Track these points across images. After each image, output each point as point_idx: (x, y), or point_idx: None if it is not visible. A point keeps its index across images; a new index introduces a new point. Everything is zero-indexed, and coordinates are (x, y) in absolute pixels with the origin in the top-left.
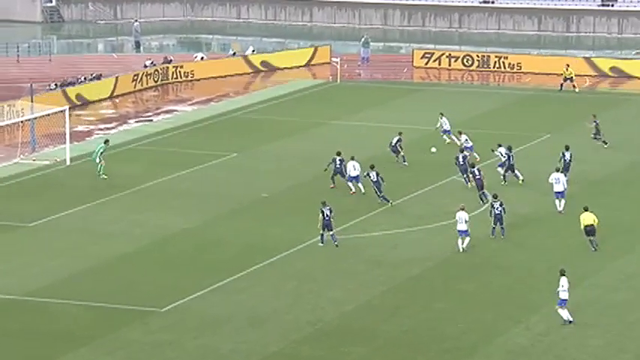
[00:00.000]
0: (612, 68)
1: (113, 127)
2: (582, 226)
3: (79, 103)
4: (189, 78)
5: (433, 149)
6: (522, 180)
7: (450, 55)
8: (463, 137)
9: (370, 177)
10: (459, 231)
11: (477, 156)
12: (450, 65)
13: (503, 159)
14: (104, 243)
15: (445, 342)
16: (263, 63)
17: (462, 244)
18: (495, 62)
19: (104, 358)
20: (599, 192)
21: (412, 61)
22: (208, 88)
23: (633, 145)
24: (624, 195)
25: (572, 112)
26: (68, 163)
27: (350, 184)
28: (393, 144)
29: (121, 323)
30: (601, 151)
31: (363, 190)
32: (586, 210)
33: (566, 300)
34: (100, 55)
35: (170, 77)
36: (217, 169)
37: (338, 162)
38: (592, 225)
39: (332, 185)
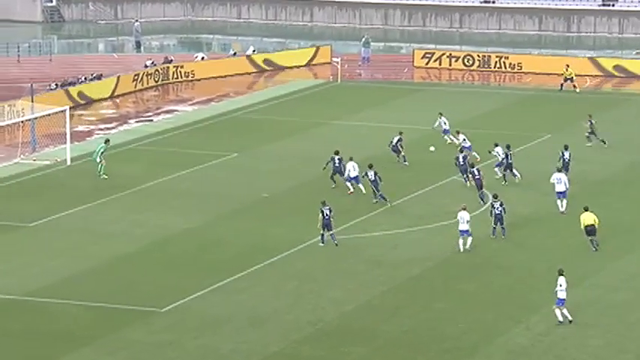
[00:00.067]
0: (616, 67)
1: (113, 127)
2: (583, 226)
3: (82, 101)
4: (189, 78)
5: (432, 148)
6: (519, 179)
7: (450, 55)
8: (461, 137)
9: (368, 176)
10: (460, 231)
11: (477, 156)
12: (450, 65)
13: (500, 158)
14: (105, 243)
15: (445, 342)
16: (266, 61)
17: (465, 244)
18: (496, 62)
19: (105, 358)
20: (599, 192)
21: (413, 61)
22: (209, 88)
23: (633, 145)
24: (625, 195)
25: (572, 112)
26: (69, 163)
27: (348, 184)
28: (393, 143)
29: (122, 323)
30: (601, 151)
31: (364, 191)
32: (586, 210)
33: (564, 299)
34: (101, 55)
35: (171, 77)
36: (218, 169)
37: (337, 161)
38: (592, 225)
39: (333, 185)
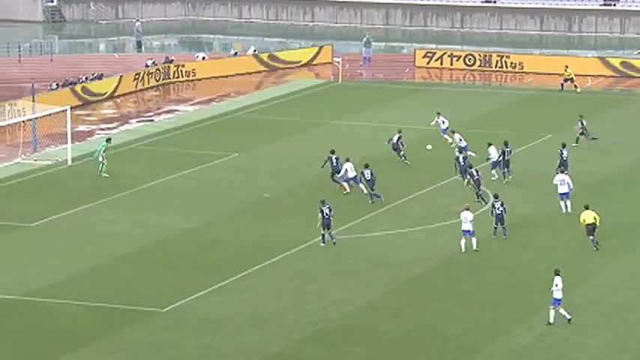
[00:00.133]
0: (623, 63)
1: (114, 127)
2: (584, 224)
3: (87, 97)
4: (190, 77)
5: (429, 146)
6: (511, 178)
7: (451, 54)
8: (456, 136)
9: (365, 175)
10: (463, 231)
11: (472, 154)
12: (451, 64)
13: (494, 159)
14: (105, 243)
15: (447, 342)
16: (271, 57)
17: (471, 245)
18: (497, 61)
19: (106, 359)
20: (600, 192)
21: (414, 61)
22: (210, 88)
23: (634, 145)
24: (625, 195)
25: (573, 112)
26: (70, 163)
27: (345, 184)
28: (394, 141)
29: (123, 323)
30: (601, 151)
31: (365, 191)
32: (587, 208)
33: (560, 300)
34: (102, 55)
35: (172, 76)
36: (219, 169)
37: (334, 160)
38: (593, 223)
39: (338, 186)
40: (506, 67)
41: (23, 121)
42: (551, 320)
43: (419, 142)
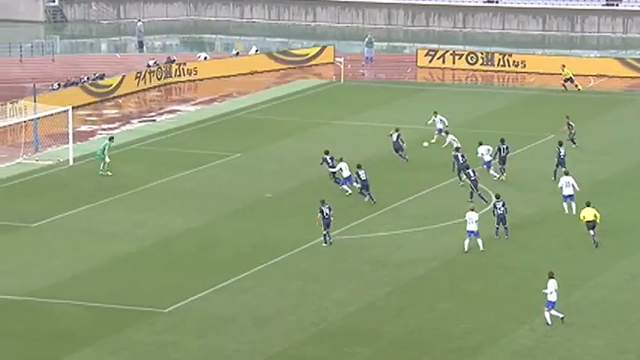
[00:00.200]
0: None
1: (116, 127)
2: (584, 221)
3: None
4: (192, 76)
5: (425, 143)
6: (503, 177)
7: (454, 52)
8: (450, 137)
9: (359, 175)
10: (468, 231)
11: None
12: (454, 63)
13: (485, 158)
14: (107, 243)
15: (450, 342)
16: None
17: (478, 245)
18: (499, 60)
19: (107, 359)
20: (601, 192)
21: (416, 61)
22: (211, 88)
23: (634, 145)
24: (627, 195)
25: (575, 112)
26: (71, 163)
27: (346, 186)
28: (394, 140)
29: (125, 324)
30: (602, 151)
31: (358, 190)
32: (588, 205)
33: (554, 302)
34: (103, 55)
35: (174, 74)
36: (221, 169)
37: (329, 160)
38: (593, 220)
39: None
40: (509, 66)
41: (25, 121)
42: (549, 322)
43: (420, 142)
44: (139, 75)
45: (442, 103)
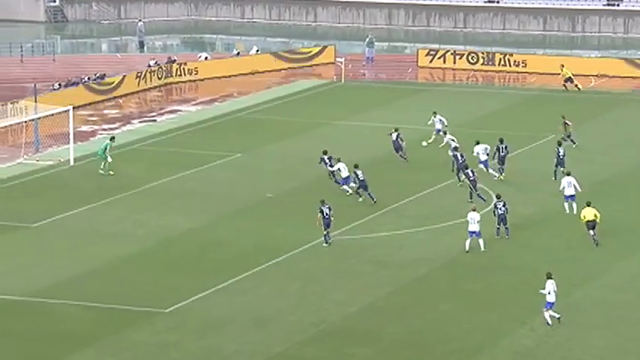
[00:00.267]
0: None
1: (117, 128)
2: (584, 221)
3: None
4: (192, 75)
5: (424, 143)
6: (502, 177)
7: (454, 51)
8: (448, 137)
9: (357, 175)
10: (469, 232)
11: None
12: (454, 62)
13: (481, 158)
14: (108, 243)
15: (451, 343)
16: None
17: (479, 245)
18: (500, 59)
19: (109, 359)
20: (602, 192)
21: (417, 61)
22: (212, 88)
23: (636, 145)
24: (629, 195)
25: (576, 112)
26: (72, 163)
27: (346, 187)
28: (394, 139)
29: (126, 324)
30: (603, 151)
31: (355, 190)
32: (588, 205)
33: (552, 303)
34: (104, 55)
35: (174, 74)
36: (221, 170)
37: (327, 160)
38: (594, 220)
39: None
40: (510, 65)
41: (25, 122)
42: (549, 322)
43: (421, 142)
44: (139, 75)
45: (443, 103)
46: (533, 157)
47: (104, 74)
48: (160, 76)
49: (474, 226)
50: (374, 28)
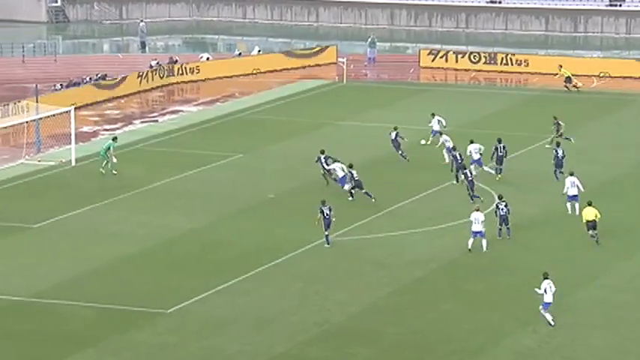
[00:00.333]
0: None
1: (118, 128)
2: (584, 221)
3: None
4: (194, 74)
5: (422, 141)
6: (498, 177)
7: (456, 51)
8: (443, 137)
9: (353, 175)
10: (473, 232)
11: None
12: (457, 62)
13: (476, 157)
14: (109, 244)
15: (452, 343)
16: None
17: (482, 245)
18: (502, 59)
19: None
20: (602, 193)
21: (419, 62)
22: (214, 88)
23: (636, 146)
24: (630, 196)
25: (578, 112)
26: (73, 163)
27: (346, 186)
28: (392, 138)
29: (127, 325)
30: (604, 151)
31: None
32: (589, 205)
33: (549, 303)
34: (106, 56)
35: (176, 73)
36: (223, 170)
37: (323, 159)
38: (594, 220)
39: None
40: (512, 65)
41: (27, 122)
42: (551, 322)
43: (420, 141)
44: (141, 75)
45: (445, 104)
46: (534, 158)
47: (106, 75)
48: (161, 76)
49: (477, 227)
50: (376, 29)
